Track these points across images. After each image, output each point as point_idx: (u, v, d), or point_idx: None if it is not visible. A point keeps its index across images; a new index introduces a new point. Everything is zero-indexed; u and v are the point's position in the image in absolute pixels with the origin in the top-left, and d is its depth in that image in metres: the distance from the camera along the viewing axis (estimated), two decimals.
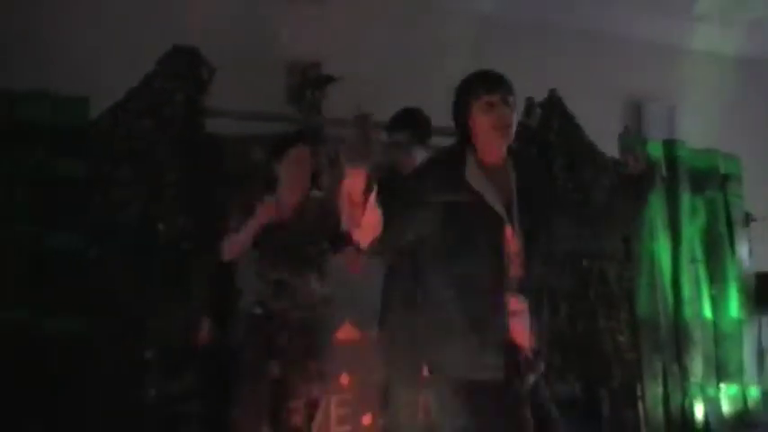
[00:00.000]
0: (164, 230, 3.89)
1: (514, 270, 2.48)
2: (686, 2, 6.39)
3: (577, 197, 4.92)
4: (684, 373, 5.28)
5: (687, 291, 5.45)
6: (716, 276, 5.65)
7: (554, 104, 5.14)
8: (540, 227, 2.56)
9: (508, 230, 2.48)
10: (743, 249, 5.84)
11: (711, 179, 5.80)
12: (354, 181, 2.24)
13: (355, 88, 4.97)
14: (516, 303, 2.46)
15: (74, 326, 3.77)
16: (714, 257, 5.67)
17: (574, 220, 2.66)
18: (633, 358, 5.04)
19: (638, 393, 5.01)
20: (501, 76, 2.58)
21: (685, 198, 5.60)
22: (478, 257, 2.44)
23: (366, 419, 4.07)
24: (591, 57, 6.25)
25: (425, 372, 3.49)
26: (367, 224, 2.33)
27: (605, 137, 5.13)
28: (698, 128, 6.27)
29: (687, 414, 5.23)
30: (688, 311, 5.42)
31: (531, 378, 2.48)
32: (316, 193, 3.79)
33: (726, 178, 5.86)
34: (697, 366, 5.35)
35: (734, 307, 5.65)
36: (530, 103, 5.04)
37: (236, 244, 3.52)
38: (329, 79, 5.24)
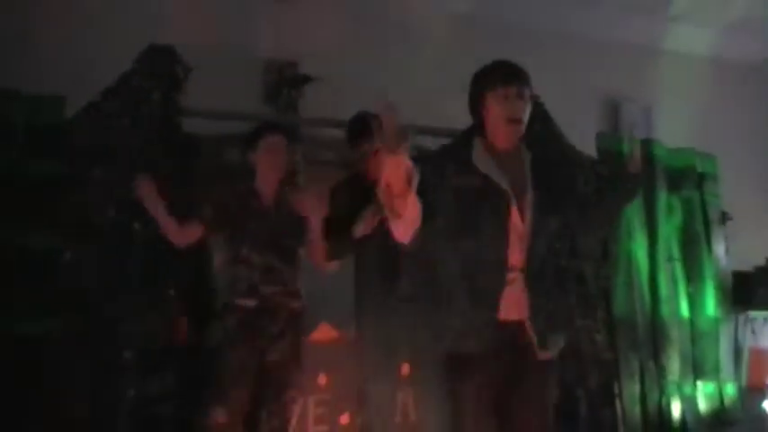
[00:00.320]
0: (139, 230, 3.86)
1: (519, 248, 2.48)
2: (662, 3, 6.43)
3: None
4: (661, 371, 5.29)
5: (664, 289, 5.47)
6: (693, 275, 5.67)
7: (535, 110, 5.09)
8: (551, 211, 2.56)
9: (514, 210, 2.48)
10: (719, 248, 5.87)
11: (688, 178, 5.83)
12: (396, 171, 2.15)
13: (332, 88, 4.98)
14: (516, 279, 2.47)
15: (48, 327, 3.74)
16: (691, 256, 5.70)
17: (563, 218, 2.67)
18: (610, 357, 5.03)
19: (616, 392, 5.01)
20: (519, 69, 2.58)
21: (662, 197, 5.63)
22: (483, 235, 2.45)
23: (344, 419, 4.06)
24: (568, 57, 6.27)
25: (403, 370, 3.52)
26: (410, 218, 2.29)
27: (584, 137, 5.18)
28: (675, 127, 6.30)
29: (664, 412, 5.23)
30: (665, 310, 5.43)
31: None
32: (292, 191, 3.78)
33: (702, 177, 5.89)
34: (674, 365, 5.37)
35: (710, 305, 5.68)
36: None
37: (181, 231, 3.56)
38: (306, 79, 5.23)
